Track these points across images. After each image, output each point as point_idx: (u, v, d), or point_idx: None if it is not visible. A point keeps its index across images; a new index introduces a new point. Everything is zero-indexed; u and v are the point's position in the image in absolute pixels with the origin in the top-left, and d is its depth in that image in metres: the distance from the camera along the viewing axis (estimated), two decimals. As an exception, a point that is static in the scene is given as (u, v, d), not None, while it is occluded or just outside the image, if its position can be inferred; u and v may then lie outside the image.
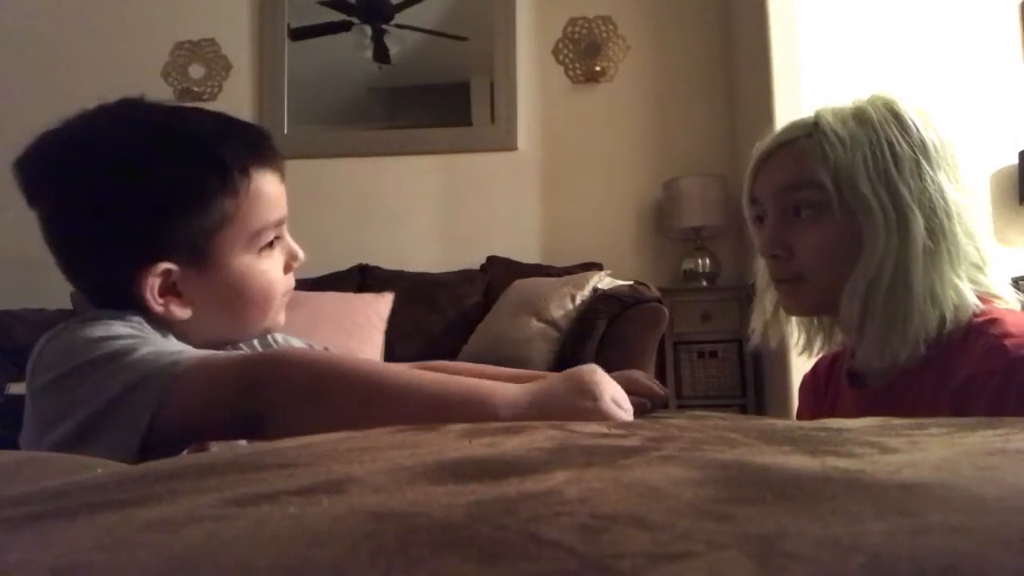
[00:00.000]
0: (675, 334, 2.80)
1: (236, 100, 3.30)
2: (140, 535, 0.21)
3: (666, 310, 2.37)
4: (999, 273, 0.80)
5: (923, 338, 0.75)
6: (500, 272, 2.93)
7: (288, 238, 0.76)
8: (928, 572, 0.17)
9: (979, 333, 0.74)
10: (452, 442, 0.34)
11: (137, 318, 0.67)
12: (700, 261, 2.96)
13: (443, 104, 3.39)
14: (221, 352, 0.63)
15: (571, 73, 3.28)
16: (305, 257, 0.77)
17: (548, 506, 0.22)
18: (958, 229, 0.77)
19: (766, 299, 0.93)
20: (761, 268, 0.93)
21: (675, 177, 3.00)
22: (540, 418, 0.50)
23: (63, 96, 3.62)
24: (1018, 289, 0.83)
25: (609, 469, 0.27)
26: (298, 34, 3.36)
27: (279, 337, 0.88)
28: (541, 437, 0.34)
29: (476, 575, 0.17)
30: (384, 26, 3.35)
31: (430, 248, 3.20)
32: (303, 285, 2.97)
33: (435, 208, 3.26)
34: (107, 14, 3.37)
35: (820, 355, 0.95)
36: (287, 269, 0.76)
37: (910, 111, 0.80)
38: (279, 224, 0.73)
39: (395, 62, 3.37)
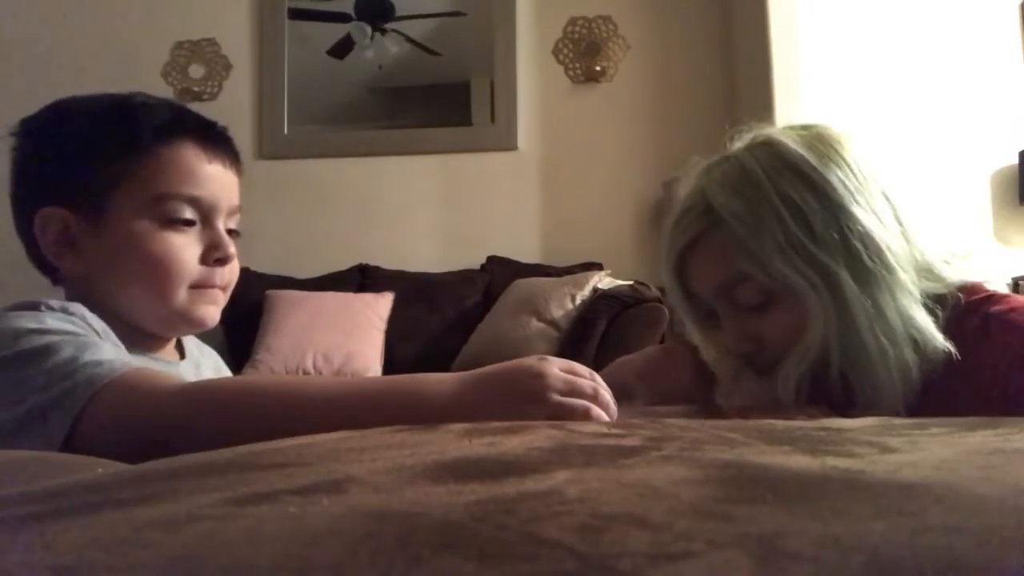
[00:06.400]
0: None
1: (236, 100, 3.31)
2: (140, 535, 0.21)
3: (666, 310, 2.37)
4: (971, 259, 0.76)
5: (910, 381, 0.70)
6: (500, 272, 2.93)
7: (220, 231, 0.74)
8: (928, 571, 0.17)
9: (1004, 322, 0.70)
10: (452, 442, 0.34)
11: (78, 309, 0.66)
12: (700, 261, 2.95)
13: (443, 104, 3.39)
14: (145, 368, 0.60)
15: (571, 73, 3.28)
16: (235, 253, 0.75)
17: (548, 506, 0.22)
18: (892, 261, 0.69)
19: (727, 363, 0.82)
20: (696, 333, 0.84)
21: (675, 177, 2.99)
22: (480, 410, 0.49)
23: (63, 96, 3.61)
24: (1018, 290, 0.81)
25: (609, 469, 0.27)
26: (296, 15, 3.33)
27: (204, 363, 0.85)
28: (541, 437, 0.34)
29: (476, 575, 0.17)
30: (385, 25, 3.35)
31: (430, 248, 3.20)
32: (303, 285, 2.99)
33: (435, 208, 3.26)
34: (107, 14, 3.37)
35: None
36: (206, 258, 0.73)
37: (797, 151, 0.72)
38: (194, 200, 0.71)
39: (396, 62, 3.37)
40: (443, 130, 3.29)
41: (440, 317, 2.85)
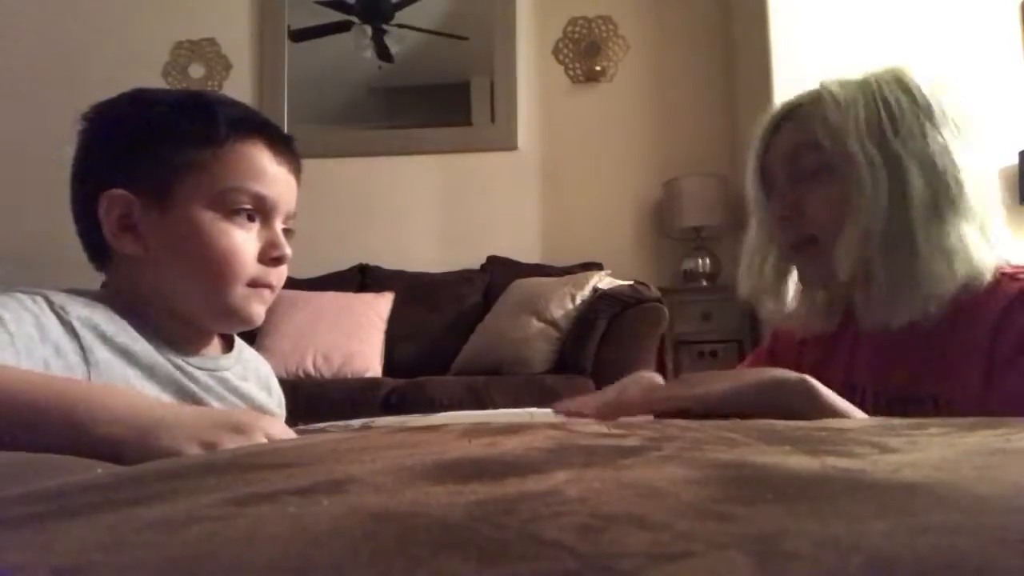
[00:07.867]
0: (675, 334, 2.79)
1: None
2: (140, 535, 0.21)
3: (666, 310, 2.37)
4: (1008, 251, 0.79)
5: (938, 295, 0.74)
6: (500, 272, 2.92)
7: (278, 231, 0.74)
8: (928, 572, 0.17)
9: (1009, 282, 0.73)
10: (452, 442, 0.34)
11: (70, 308, 0.65)
12: (700, 261, 2.96)
13: (443, 104, 3.39)
14: None
15: (571, 73, 3.28)
16: (290, 254, 0.75)
17: (548, 506, 0.22)
18: (968, 191, 0.76)
19: (766, 266, 0.90)
20: (752, 240, 0.91)
21: (675, 177, 3.00)
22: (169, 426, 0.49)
23: (63, 95, 3.62)
24: None
25: (609, 469, 0.27)
26: (299, 35, 3.36)
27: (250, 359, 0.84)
28: (541, 437, 0.34)
29: (476, 575, 0.17)
30: (384, 26, 3.35)
31: (430, 248, 3.20)
32: (303, 285, 2.99)
33: (435, 208, 3.26)
34: (107, 14, 3.37)
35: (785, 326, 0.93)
36: (263, 256, 0.73)
37: (917, 77, 0.81)
38: (259, 198, 0.72)
39: (395, 62, 3.37)
40: (443, 130, 3.29)
41: (440, 317, 2.85)
